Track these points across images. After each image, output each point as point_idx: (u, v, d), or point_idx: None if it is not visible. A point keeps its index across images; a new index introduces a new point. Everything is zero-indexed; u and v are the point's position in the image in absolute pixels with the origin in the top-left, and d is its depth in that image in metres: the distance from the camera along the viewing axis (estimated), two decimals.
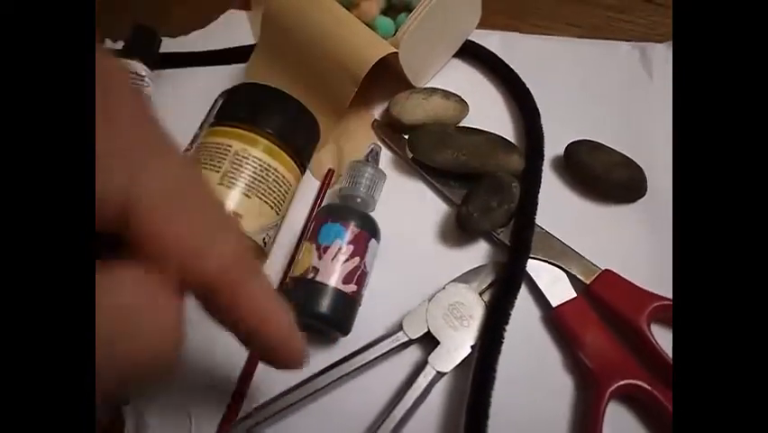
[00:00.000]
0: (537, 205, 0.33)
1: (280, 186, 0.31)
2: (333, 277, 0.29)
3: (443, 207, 0.36)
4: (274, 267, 0.34)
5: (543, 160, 0.35)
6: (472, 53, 0.41)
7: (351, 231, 0.30)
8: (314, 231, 0.31)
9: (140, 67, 0.38)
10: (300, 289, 0.29)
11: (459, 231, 0.34)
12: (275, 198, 0.31)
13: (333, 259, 0.30)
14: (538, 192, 0.33)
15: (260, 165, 0.30)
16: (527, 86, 0.38)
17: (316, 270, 0.29)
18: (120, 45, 0.42)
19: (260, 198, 0.30)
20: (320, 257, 0.30)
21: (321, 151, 0.37)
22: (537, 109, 0.37)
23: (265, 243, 0.30)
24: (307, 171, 0.37)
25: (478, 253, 0.34)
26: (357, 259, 0.30)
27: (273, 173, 0.31)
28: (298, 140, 0.33)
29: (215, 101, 0.40)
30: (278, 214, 0.31)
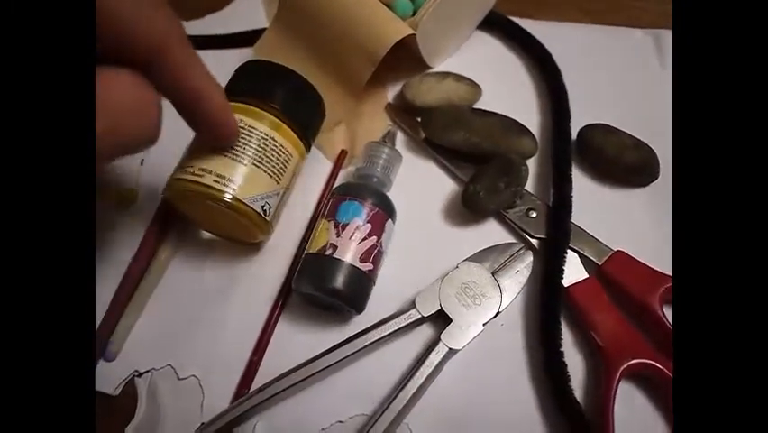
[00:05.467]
0: (571, 163, 0.34)
1: (279, 155, 0.30)
2: (350, 254, 0.29)
3: (456, 188, 0.36)
4: (287, 244, 0.34)
5: (569, 119, 0.36)
6: (487, 22, 0.41)
7: (368, 209, 0.31)
8: (332, 208, 0.31)
9: None
10: (318, 264, 0.30)
11: (468, 210, 0.34)
12: (274, 168, 0.30)
13: (350, 237, 0.30)
14: (570, 151, 0.35)
15: (258, 136, 0.30)
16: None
17: (334, 246, 0.29)
18: None
19: (258, 167, 0.29)
20: (338, 234, 0.30)
21: (334, 131, 0.37)
22: (560, 73, 0.38)
23: (265, 211, 0.30)
24: (321, 154, 0.37)
25: (490, 233, 0.34)
26: (374, 238, 0.30)
27: (272, 143, 0.30)
28: (300, 113, 0.32)
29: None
30: (278, 183, 0.30)
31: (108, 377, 0.30)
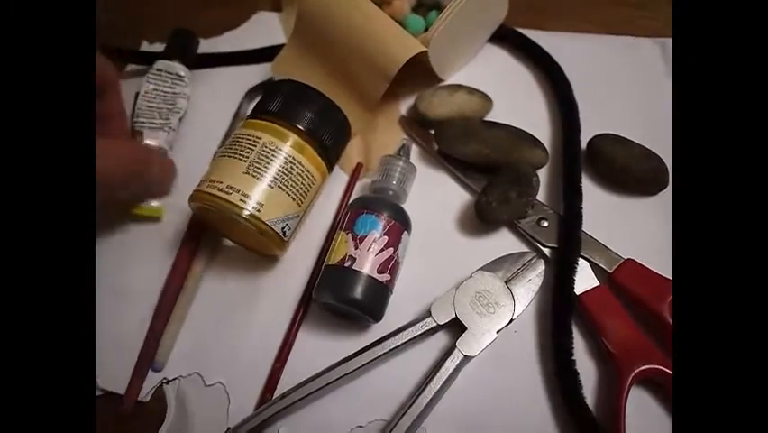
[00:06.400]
0: (581, 174, 0.35)
1: (304, 180, 0.32)
2: (368, 265, 0.31)
3: (469, 199, 0.37)
4: (307, 256, 0.35)
5: (579, 130, 0.37)
6: (497, 35, 0.42)
7: (385, 222, 0.32)
8: (349, 221, 0.32)
9: (179, 67, 0.39)
10: (337, 276, 0.31)
11: (481, 221, 0.35)
12: (298, 191, 0.31)
13: (368, 249, 0.31)
14: (580, 162, 0.35)
15: (286, 158, 0.31)
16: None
17: (353, 258, 0.31)
18: (157, 47, 0.44)
19: (283, 190, 0.31)
20: (356, 246, 0.31)
21: (350, 145, 0.39)
22: (570, 87, 0.39)
23: (284, 232, 0.31)
24: (337, 166, 0.38)
25: (503, 242, 0.35)
26: (391, 249, 0.31)
27: (298, 167, 0.31)
28: (327, 137, 0.33)
29: (242, 99, 0.41)
30: (299, 206, 0.32)
31: None
